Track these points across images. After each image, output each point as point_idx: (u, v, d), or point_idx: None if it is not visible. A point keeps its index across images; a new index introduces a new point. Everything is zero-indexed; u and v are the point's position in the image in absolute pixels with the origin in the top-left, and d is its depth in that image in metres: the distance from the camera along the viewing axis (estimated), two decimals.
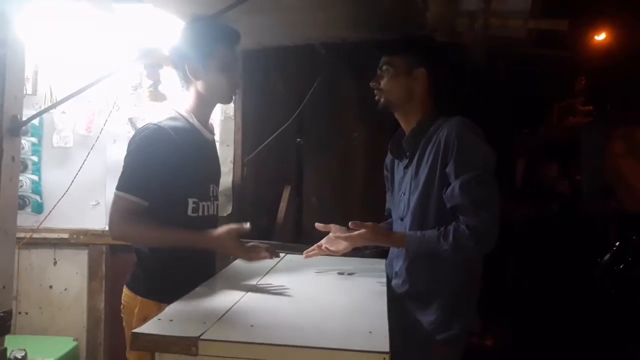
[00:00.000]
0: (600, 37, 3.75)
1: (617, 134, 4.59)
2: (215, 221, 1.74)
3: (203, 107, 1.68)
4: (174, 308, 1.32)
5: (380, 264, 1.88)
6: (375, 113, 1.75)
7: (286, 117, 2.50)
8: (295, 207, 2.60)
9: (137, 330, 1.14)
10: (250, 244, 1.97)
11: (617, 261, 3.96)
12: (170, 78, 2.36)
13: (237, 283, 1.59)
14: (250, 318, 1.25)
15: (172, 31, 1.75)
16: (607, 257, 4.05)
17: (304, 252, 1.78)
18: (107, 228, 2.48)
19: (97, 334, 2.57)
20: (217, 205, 1.78)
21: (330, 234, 1.73)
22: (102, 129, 2.45)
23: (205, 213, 1.67)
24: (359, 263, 1.90)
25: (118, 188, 1.50)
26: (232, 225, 1.58)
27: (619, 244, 3.99)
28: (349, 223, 1.57)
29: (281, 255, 2.00)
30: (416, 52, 1.70)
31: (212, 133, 1.78)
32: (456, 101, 1.95)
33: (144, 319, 1.38)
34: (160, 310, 1.34)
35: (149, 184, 1.50)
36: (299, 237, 2.58)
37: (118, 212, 1.49)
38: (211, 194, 1.71)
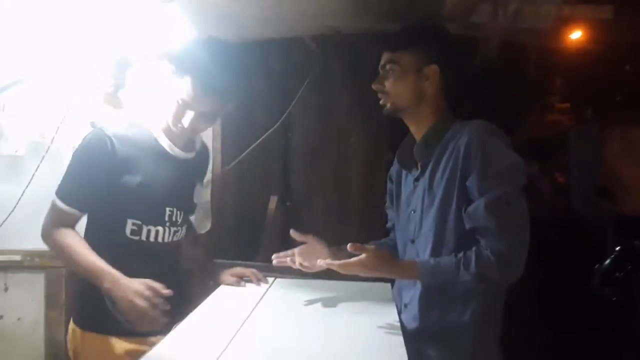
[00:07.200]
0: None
1: (613, 134, 4.47)
2: (170, 249, 1.54)
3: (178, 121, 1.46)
4: None
5: (385, 291, 1.63)
6: (375, 116, 1.51)
7: (272, 121, 2.25)
8: (283, 221, 2.33)
9: None
10: (235, 269, 1.76)
11: (618, 267, 3.80)
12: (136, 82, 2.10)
13: (214, 329, 1.32)
14: None
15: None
16: (606, 263, 3.88)
17: (273, 256, 1.58)
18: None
19: None
20: (181, 231, 1.56)
21: (306, 246, 1.52)
22: (53, 135, 2.11)
23: (153, 239, 1.47)
24: (360, 289, 1.65)
25: (56, 191, 1.43)
26: (153, 284, 1.34)
27: (619, 249, 3.83)
28: (348, 245, 1.31)
29: (269, 280, 1.77)
30: (427, 46, 1.43)
31: (190, 151, 1.55)
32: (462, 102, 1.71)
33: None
34: (106, 345, 1.39)
35: (85, 194, 1.42)
36: None
37: (49, 216, 1.44)
38: (167, 219, 1.49)
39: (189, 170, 1.57)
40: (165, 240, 1.51)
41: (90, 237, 1.46)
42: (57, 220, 1.42)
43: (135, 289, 1.33)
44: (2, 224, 2.05)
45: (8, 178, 2.22)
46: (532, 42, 1.99)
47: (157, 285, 1.35)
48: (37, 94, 2.18)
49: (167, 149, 1.50)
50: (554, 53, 2.15)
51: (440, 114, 1.46)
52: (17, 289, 2.26)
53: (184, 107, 1.41)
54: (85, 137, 1.45)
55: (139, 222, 1.46)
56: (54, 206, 1.42)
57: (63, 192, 1.42)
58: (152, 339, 1.45)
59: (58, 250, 1.43)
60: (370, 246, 1.35)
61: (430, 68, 1.42)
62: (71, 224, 1.43)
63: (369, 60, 1.53)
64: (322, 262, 1.40)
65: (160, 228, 1.49)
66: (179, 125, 1.44)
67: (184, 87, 1.40)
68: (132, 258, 1.45)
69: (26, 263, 2.23)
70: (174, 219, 1.51)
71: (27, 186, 1.94)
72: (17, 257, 2.23)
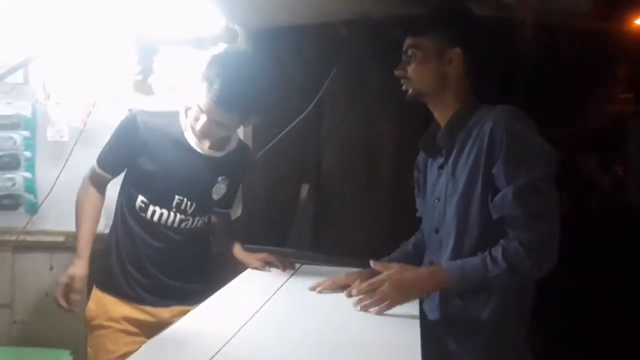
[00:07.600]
0: None
1: None
2: (180, 234, 1.63)
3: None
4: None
5: None
6: (406, 102, 1.46)
7: (302, 108, 2.23)
8: (314, 209, 2.33)
9: None
10: (261, 254, 1.79)
11: None
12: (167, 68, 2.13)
13: (232, 310, 1.35)
14: None
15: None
16: None
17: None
18: (106, 231, 2.35)
19: None
20: (192, 221, 1.64)
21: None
22: (85, 120, 2.24)
23: (156, 219, 1.61)
24: None
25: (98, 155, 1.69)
26: (74, 284, 1.58)
27: None
28: (370, 262, 1.31)
29: (296, 266, 1.78)
30: (449, 29, 1.38)
31: (219, 149, 1.62)
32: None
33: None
34: (107, 302, 1.64)
35: (112, 162, 1.66)
36: (317, 244, 2.30)
37: (88, 173, 1.70)
38: (174, 205, 1.59)
39: (214, 168, 1.62)
40: (169, 224, 1.60)
41: (119, 201, 1.69)
42: (92, 178, 1.69)
43: (60, 281, 1.57)
44: (41, 204, 2.16)
45: (54, 163, 2.30)
46: (580, 25, 1.86)
47: (76, 287, 1.57)
48: (79, 82, 2.28)
49: (192, 144, 1.58)
50: (600, 36, 2.01)
51: (465, 99, 1.40)
52: (61, 269, 2.31)
53: (199, 110, 1.49)
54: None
55: (146, 200, 1.60)
56: (92, 166, 1.70)
57: (99, 157, 1.68)
58: (149, 308, 1.61)
59: (76, 203, 1.69)
60: (393, 263, 1.38)
61: (453, 52, 1.37)
62: (101, 184, 1.69)
63: (397, 44, 1.48)
64: (354, 292, 1.41)
65: (165, 211, 1.59)
66: (195, 126, 1.53)
67: (202, 92, 1.46)
68: (140, 231, 1.61)
69: (69, 244, 2.29)
70: (182, 207, 1.60)
71: (61, 170, 2.09)
72: (61, 239, 2.32)
